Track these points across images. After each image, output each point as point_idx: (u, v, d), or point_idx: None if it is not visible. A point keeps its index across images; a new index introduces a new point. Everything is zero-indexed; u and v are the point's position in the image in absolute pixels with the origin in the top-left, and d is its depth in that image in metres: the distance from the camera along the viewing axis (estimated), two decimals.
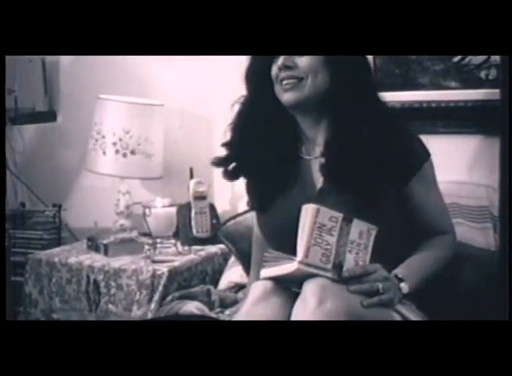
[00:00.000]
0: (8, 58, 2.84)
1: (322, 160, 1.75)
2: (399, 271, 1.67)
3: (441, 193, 1.82)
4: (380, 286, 1.58)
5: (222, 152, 1.84)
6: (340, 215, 1.58)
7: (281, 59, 1.72)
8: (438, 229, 1.79)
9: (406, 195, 1.74)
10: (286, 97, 1.73)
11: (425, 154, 1.76)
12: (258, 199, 1.83)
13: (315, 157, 1.78)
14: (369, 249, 1.61)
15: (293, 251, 1.58)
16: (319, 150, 1.77)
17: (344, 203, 1.66)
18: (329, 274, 1.56)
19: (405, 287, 1.64)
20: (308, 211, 1.57)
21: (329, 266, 1.57)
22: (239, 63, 2.62)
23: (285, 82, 1.72)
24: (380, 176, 1.68)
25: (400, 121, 1.80)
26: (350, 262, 1.59)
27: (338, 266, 1.57)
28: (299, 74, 1.71)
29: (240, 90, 2.68)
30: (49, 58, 3.09)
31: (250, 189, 1.86)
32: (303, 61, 1.70)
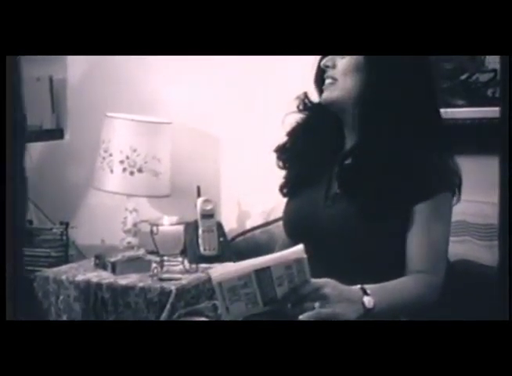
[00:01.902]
0: (15, 76, 2.85)
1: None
2: (370, 286, 1.60)
3: (444, 237, 1.71)
4: (317, 304, 1.54)
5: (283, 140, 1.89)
6: (250, 270, 1.49)
7: (324, 59, 1.77)
8: (419, 266, 1.68)
9: (409, 216, 1.68)
10: (322, 95, 1.78)
11: (446, 186, 1.71)
12: (290, 186, 1.87)
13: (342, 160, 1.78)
14: (306, 272, 1.52)
15: (304, 243, 1.53)
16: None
17: (349, 213, 1.67)
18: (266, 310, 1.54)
19: (369, 301, 1.58)
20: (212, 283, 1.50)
21: (261, 307, 1.54)
22: (246, 82, 2.67)
23: (326, 82, 1.77)
24: (392, 195, 1.65)
25: (446, 143, 1.75)
26: (284, 291, 1.53)
27: (271, 302, 1.54)
28: (334, 75, 1.75)
29: (249, 109, 2.70)
30: (57, 76, 3.10)
31: (288, 176, 1.89)
32: (341, 63, 1.74)
